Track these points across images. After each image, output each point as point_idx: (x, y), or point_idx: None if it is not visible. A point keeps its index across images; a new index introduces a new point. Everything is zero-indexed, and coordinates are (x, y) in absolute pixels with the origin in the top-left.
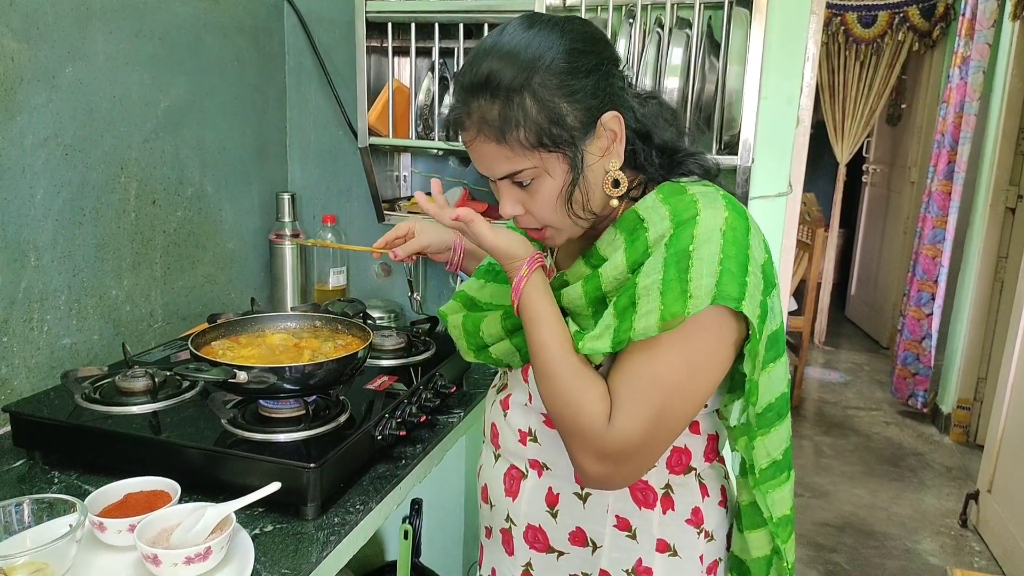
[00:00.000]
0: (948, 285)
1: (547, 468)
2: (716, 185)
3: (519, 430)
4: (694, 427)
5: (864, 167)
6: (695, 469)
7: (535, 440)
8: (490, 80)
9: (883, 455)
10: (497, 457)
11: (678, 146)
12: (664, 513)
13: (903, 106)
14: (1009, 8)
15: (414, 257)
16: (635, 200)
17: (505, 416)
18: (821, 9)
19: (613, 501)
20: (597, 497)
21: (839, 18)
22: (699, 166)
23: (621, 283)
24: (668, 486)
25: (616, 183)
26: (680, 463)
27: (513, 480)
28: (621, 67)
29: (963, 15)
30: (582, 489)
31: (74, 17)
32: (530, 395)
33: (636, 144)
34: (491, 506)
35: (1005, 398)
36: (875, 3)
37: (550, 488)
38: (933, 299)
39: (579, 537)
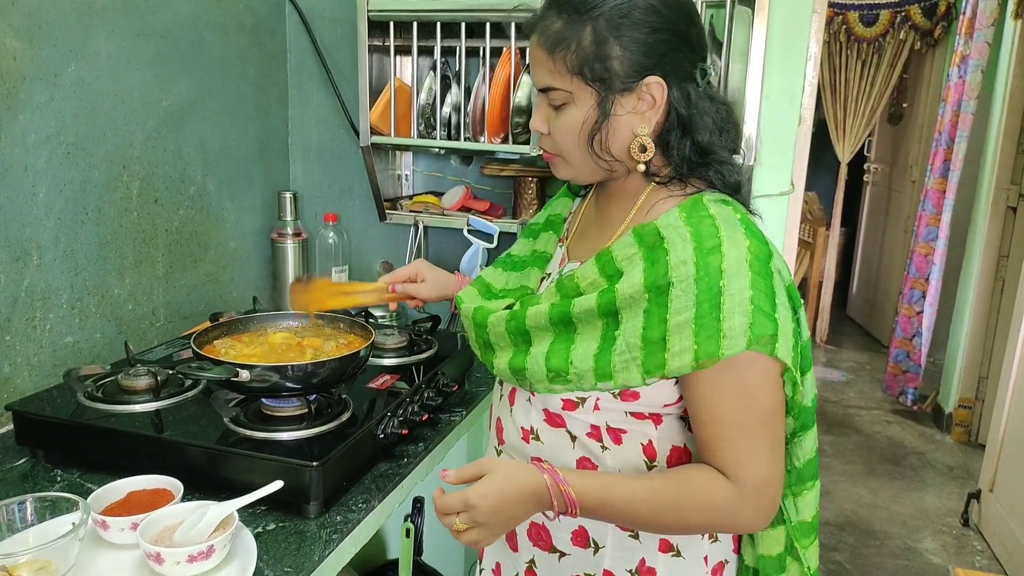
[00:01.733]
0: (944, 283)
1: (550, 466)
2: (737, 202)
3: (522, 427)
4: (690, 427)
5: (865, 166)
6: None
7: (537, 438)
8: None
9: (884, 454)
10: (499, 452)
11: (712, 150)
12: None
13: (904, 105)
14: (1011, 7)
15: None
16: (660, 183)
17: (511, 411)
18: (823, 8)
19: None
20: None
21: (841, 17)
22: (720, 176)
23: (636, 300)
24: None
25: (643, 148)
26: (677, 461)
27: None
28: (702, 55)
29: (964, 14)
30: None
31: (76, 16)
32: (532, 391)
33: (674, 128)
34: None
35: (1007, 397)
36: (877, 2)
37: None
38: (924, 297)
39: (581, 537)
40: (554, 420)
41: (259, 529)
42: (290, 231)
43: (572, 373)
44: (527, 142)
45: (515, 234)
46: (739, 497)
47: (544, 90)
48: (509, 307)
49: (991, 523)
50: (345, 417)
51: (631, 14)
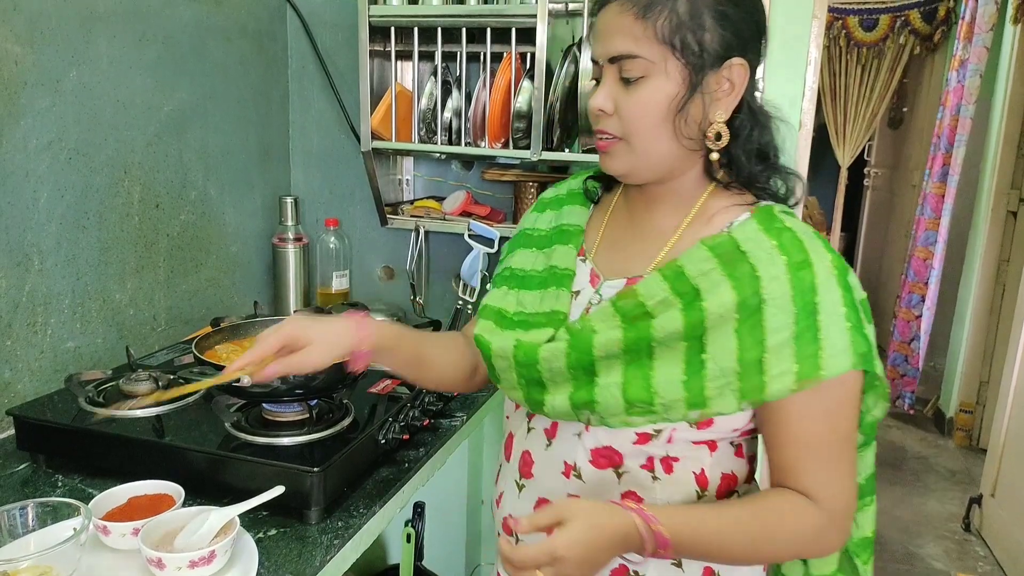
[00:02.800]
0: (942, 287)
1: None
2: (791, 211)
3: (564, 462)
4: (739, 451)
5: (866, 170)
6: (737, 492)
7: (579, 477)
8: None
9: (886, 459)
10: (522, 488)
11: (772, 153)
12: None
13: (905, 109)
14: (1010, 12)
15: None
16: (721, 185)
17: (548, 446)
18: (823, 13)
19: None
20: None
21: (841, 21)
22: (785, 184)
23: (725, 320)
24: None
25: (718, 136)
26: (727, 488)
27: None
28: (758, 66)
29: (963, 18)
30: None
31: (78, 21)
32: (587, 424)
33: (745, 121)
34: (516, 539)
35: (1008, 402)
36: (876, 7)
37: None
38: (923, 301)
39: (621, 572)
40: (603, 459)
41: (260, 534)
42: (291, 236)
43: (658, 404)
44: (528, 147)
45: None
46: (828, 522)
47: (618, 59)
48: (550, 338)
49: (993, 528)
50: (346, 422)
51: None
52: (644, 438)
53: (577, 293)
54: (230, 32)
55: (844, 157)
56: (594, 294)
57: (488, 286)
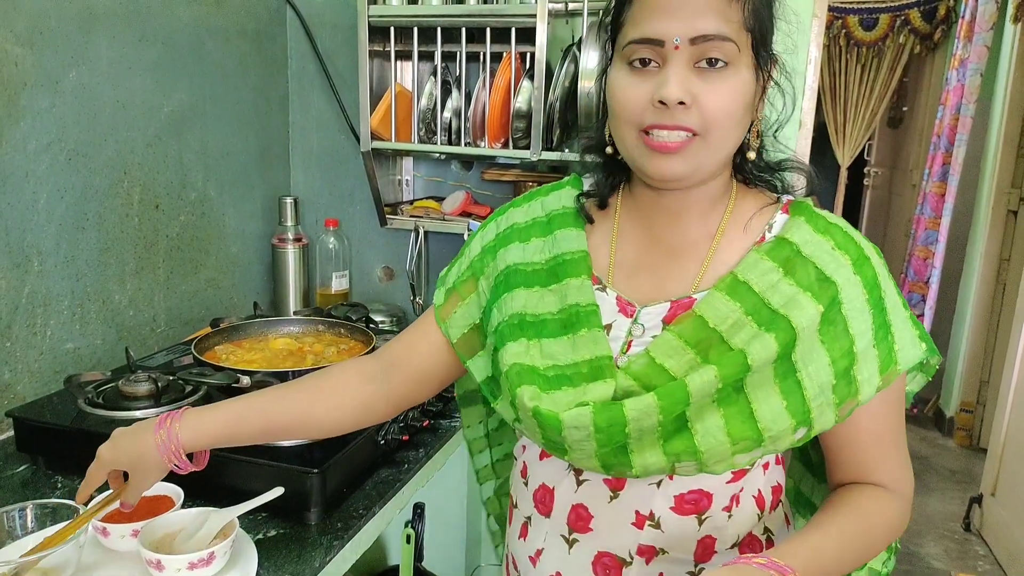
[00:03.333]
0: (941, 287)
1: (663, 553)
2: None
3: (636, 512)
4: (778, 459)
5: (866, 170)
6: (781, 502)
7: (656, 526)
8: None
9: None
10: (574, 543)
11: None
12: None
13: (904, 109)
14: (1010, 11)
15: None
16: (744, 185)
17: (614, 498)
18: (823, 12)
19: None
20: (709, 568)
21: (840, 21)
22: (811, 179)
23: (811, 334)
24: (767, 530)
25: (759, 133)
26: (776, 501)
27: (609, 570)
28: None
29: (963, 18)
30: (696, 566)
31: (78, 22)
32: (673, 472)
33: (764, 123)
34: None
35: (1008, 401)
36: (876, 6)
37: (661, 574)
38: (924, 300)
39: None
40: (689, 505)
41: (260, 536)
42: (291, 236)
43: (768, 438)
44: (527, 147)
45: None
46: (906, 506)
47: (707, 39)
48: (615, 391)
49: (993, 528)
50: None
51: None
52: (740, 474)
53: (608, 327)
54: (229, 33)
55: (844, 156)
56: (634, 324)
57: (440, 300)
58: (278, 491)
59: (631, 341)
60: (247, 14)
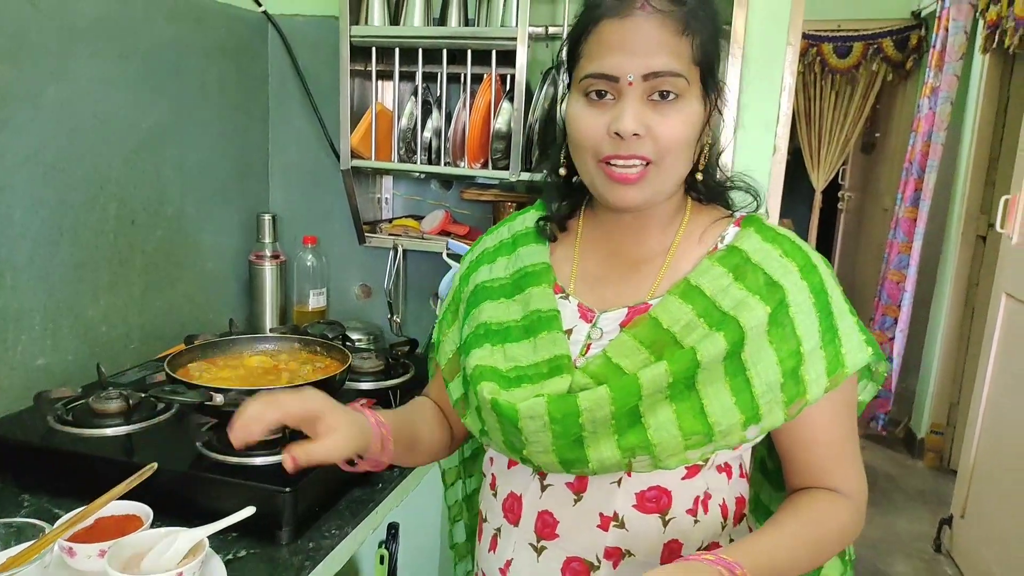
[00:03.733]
0: (913, 310)
1: (629, 555)
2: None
3: (600, 514)
4: (742, 472)
5: (840, 194)
6: (744, 516)
7: (621, 525)
8: None
9: None
10: (542, 550)
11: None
12: None
13: (877, 135)
14: (979, 41)
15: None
16: (697, 202)
17: (577, 500)
18: (797, 40)
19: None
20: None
21: (815, 48)
22: (756, 196)
23: (760, 334)
24: (732, 540)
25: (705, 156)
26: (739, 513)
27: (578, 574)
28: None
29: (934, 47)
30: None
31: (58, 37)
32: (630, 468)
33: (717, 139)
34: None
35: (977, 424)
36: (850, 34)
37: None
38: (896, 323)
39: None
40: (651, 503)
41: (230, 556)
42: (268, 253)
43: (717, 432)
44: (506, 167)
45: None
46: (858, 511)
47: (658, 76)
48: (570, 386)
49: (963, 549)
50: None
51: (720, 24)
52: (694, 469)
53: (568, 332)
54: (210, 50)
55: (819, 180)
56: (592, 329)
57: (436, 337)
58: (249, 511)
59: (590, 344)
60: (228, 32)
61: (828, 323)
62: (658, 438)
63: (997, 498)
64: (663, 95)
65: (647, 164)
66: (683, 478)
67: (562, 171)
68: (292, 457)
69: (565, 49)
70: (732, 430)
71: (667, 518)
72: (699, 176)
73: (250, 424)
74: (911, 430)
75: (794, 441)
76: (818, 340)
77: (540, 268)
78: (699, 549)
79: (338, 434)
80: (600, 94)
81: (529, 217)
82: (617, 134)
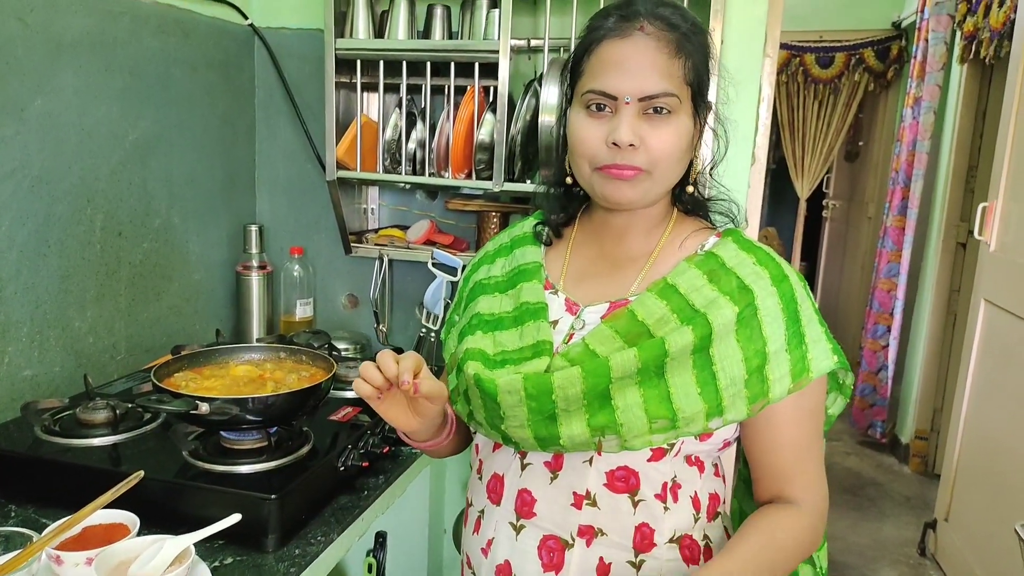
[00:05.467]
0: (904, 317)
1: (601, 534)
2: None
3: (574, 492)
4: (717, 471)
5: (824, 202)
6: (720, 513)
7: (593, 503)
8: (670, 18)
9: (843, 485)
10: (521, 528)
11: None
12: None
13: (860, 144)
14: (957, 52)
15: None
16: (683, 212)
17: (553, 479)
18: (775, 52)
19: (666, 563)
20: (651, 563)
21: (798, 59)
22: (735, 210)
23: (727, 332)
24: (707, 537)
25: (696, 171)
26: (713, 509)
27: (553, 552)
28: None
29: (915, 58)
30: (636, 556)
31: (44, 51)
32: (599, 448)
33: (700, 160)
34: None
35: (959, 428)
36: (832, 44)
37: (601, 558)
38: (888, 331)
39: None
40: (620, 482)
41: (216, 563)
42: (255, 264)
43: (681, 418)
44: (490, 178)
45: None
46: (819, 520)
47: (653, 97)
48: (548, 367)
49: (947, 552)
50: (305, 450)
51: (710, 45)
52: (659, 453)
53: (555, 323)
54: (197, 63)
55: (803, 189)
56: (576, 320)
57: (444, 336)
58: (235, 518)
59: (572, 334)
60: (215, 45)
61: (795, 329)
62: (625, 419)
63: (979, 501)
64: (657, 110)
65: (640, 172)
66: (648, 460)
67: (568, 179)
68: (416, 383)
69: (569, 63)
70: (695, 418)
71: (636, 498)
72: (689, 189)
73: (404, 375)
74: (896, 435)
75: (761, 445)
76: (783, 343)
77: (532, 266)
78: (670, 540)
79: (436, 381)
80: (600, 107)
81: (528, 224)
82: (614, 143)
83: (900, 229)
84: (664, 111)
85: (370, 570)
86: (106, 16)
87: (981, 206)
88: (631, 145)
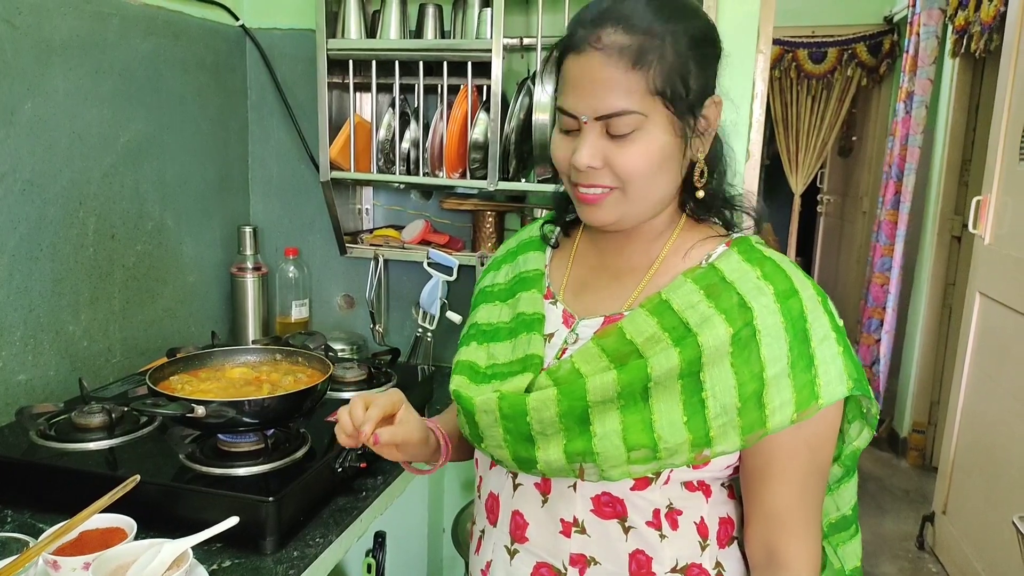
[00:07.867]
0: (899, 311)
1: (595, 563)
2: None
3: (561, 520)
4: (731, 493)
5: (818, 197)
6: (736, 538)
7: (582, 531)
8: (632, 17)
9: None
10: (515, 553)
11: (728, 184)
12: None
13: (854, 138)
14: (948, 46)
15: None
16: (692, 219)
17: (544, 502)
18: (768, 48)
19: None
20: None
21: (791, 54)
22: (756, 214)
23: (721, 355)
24: (719, 565)
25: (702, 173)
26: (726, 535)
27: None
28: None
29: (907, 52)
30: None
31: (34, 54)
32: (582, 472)
33: (719, 154)
34: None
35: (956, 421)
36: (825, 40)
37: None
38: (882, 325)
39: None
40: (607, 508)
41: (214, 566)
42: (250, 265)
43: (662, 448)
44: (484, 177)
45: (475, 267)
46: None
47: (608, 117)
48: (530, 384)
49: (945, 545)
50: (303, 451)
51: (697, 33)
52: (643, 483)
53: (550, 336)
54: (188, 64)
55: (797, 184)
56: (569, 333)
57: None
58: (232, 521)
59: (566, 348)
60: (206, 46)
61: (802, 350)
62: (601, 447)
63: (977, 494)
64: (619, 133)
65: (611, 189)
66: (632, 488)
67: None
68: (375, 436)
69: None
70: (679, 449)
71: (626, 525)
72: (699, 195)
73: (364, 426)
74: (894, 429)
75: (754, 473)
76: (786, 366)
77: (533, 275)
78: (673, 569)
79: (410, 423)
80: (568, 125)
81: (535, 227)
82: (574, 166)
83: (893, 223)
84: (626, 130)
85: (369, 570)
86: (95, 18)
87: (975, 200)
88: (593, 167)
